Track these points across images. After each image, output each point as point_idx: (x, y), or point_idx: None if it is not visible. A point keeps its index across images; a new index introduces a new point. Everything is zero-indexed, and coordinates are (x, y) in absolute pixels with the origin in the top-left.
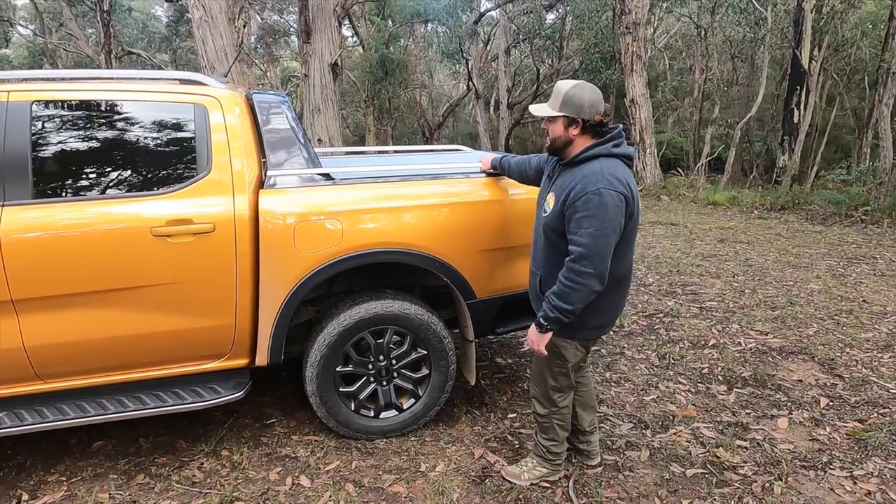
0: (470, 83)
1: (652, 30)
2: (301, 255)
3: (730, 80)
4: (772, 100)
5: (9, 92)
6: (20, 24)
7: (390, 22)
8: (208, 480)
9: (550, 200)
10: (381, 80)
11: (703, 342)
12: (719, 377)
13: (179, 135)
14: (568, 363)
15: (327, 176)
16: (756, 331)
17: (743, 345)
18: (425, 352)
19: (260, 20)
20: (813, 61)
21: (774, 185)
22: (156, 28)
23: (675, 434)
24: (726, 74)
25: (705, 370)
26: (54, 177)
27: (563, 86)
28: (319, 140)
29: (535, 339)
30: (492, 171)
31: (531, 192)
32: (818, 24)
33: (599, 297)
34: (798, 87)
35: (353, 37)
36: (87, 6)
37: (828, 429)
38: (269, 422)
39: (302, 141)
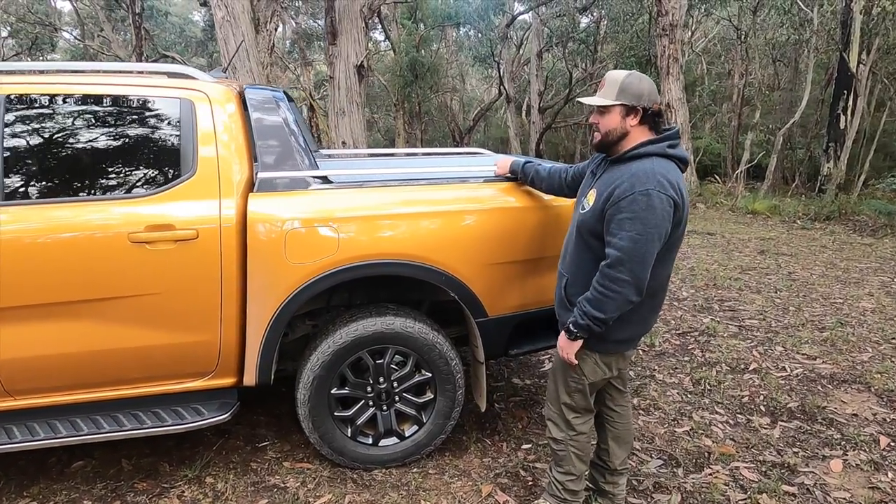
0: (501, 87)
1: (689, 33)
2: (293, 265)
3: (771, 84)
4: (816, 105)
5: None
6: (65, 30)
7: (422, 25)
8: None
9: (591, 197)
10: (411, 83)
11: (742, 366)
12: (761, 408)
13: (163, 132)
14: (585, 378)
15: (324, 179)
16: (803, 354)
17: (788, 370)
18: (430, 374)
19: (294, 24)
20: (861, 65)
21: (818, 194)
22: (192, 32)
23: (711, 475)
24: (768, 79)
25: (745, 399)
26: (26, 177)
27: (618, 74)
28: (343, 142)
29: (565, 346)
30: (509, 176)
31: (552, 200)
32: (867, 26)
33: (629, 309)
34: (845, 92)
35: (384, 41)
36: (124, 11)
37: (890, 474)
38: (261, 444)
39: (298, 140)
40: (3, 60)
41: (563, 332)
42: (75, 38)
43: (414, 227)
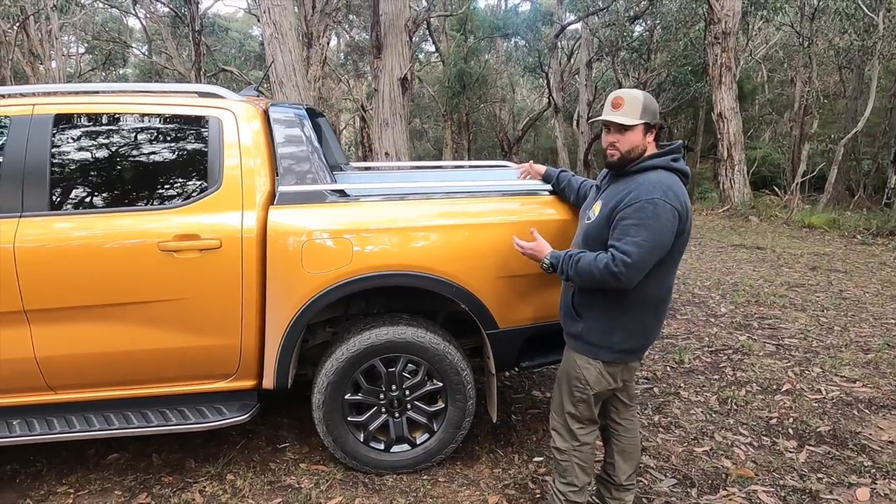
0: (550, 97)
1: (746, 40)
2: (309, 275)
3: (836, 92)
4: (884, 114)
5: (34, 105)
6: (135, 47)
7: (471, 37)
8: None
9: (596, 208)
10: (459, 94)
11: (775, 386)
12: (789, 430)
13: (192, 148)
14: (590, 388)
15: (341, 192)
16: (841, 377)
17: (823, 392)
18: (441, 384)
19: (348, 37)
20: None
21: (884, 208)
22: (251, 47)
23: (725, 497)
24: (832, 86)
25: (773, 420)
26: (69, 189)
27: (637, 94)
28: (386, 153)
29: (536, 249)
30: (546, 186)
31: (562, 214)
32: None
33: (631, 318)
34: None
35: (435, 52)
36: (187, 27)
37: None
38: (281, 445)
39: (318, 156)
40: (80, 75)
41: (545, 253)
42: (143, 53)
43: (424, 239)
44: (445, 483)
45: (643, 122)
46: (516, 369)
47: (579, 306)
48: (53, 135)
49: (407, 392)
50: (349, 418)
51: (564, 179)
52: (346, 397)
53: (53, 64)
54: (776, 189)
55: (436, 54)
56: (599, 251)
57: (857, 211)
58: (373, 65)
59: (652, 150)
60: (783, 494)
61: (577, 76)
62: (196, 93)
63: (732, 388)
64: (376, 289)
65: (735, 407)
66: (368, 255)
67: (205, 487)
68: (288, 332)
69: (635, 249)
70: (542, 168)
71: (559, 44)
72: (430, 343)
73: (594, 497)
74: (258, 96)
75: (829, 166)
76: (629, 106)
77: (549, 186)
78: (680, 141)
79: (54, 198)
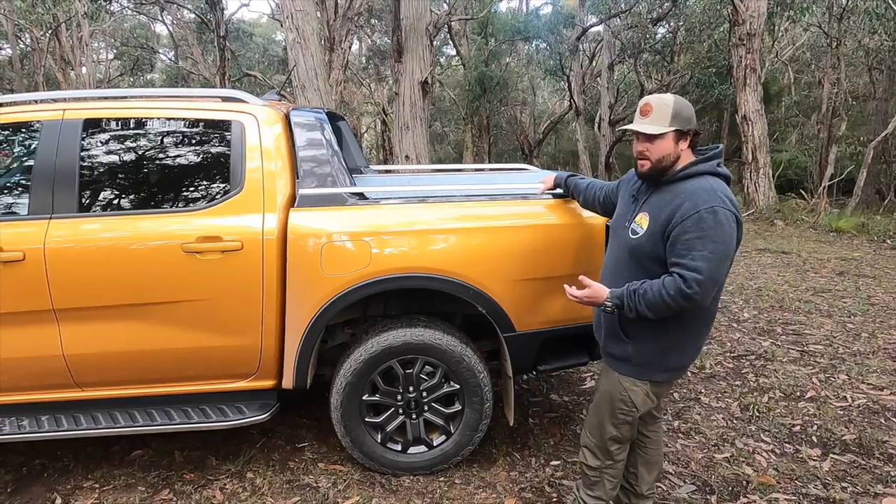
0: (571, 100)
1: (772, 41)
2: (327, 277)
3: (865, 93)
4: None
5: (64, 110)
6: (161, 52)
7: (492, 40)
8: (226, 503)
9: (643, 220)
10: (479, 97)
11: (798, 393)
12: (813, 438)
13: (216, 151)
14: (636, 410)
15: (361, 195)
16: (868, 384)
17: (849, 400)
18: (458, 386)
19: (370, 41)
20: None
21: None
22: (275, 52)
23: None
24: (862, 88)
25: (796, 428)
26: (97, 192)
27: (667, 99)
28: (407, 157)
29: (592, 296)
30: (556, 191)
31: (579, 217)
32: None
33: (689, 336)
34: None
35: (456, 56)
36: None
37: None
38: (300, 445)
39: (338, 159)
40: (109, 80)
41: (604, 297)
42: (170, 59)
43: (442, 242)
44: (462, 485)
45: (673, 129)
46: (534, 373)
47: (629, 327)
48: (83, 139)
49: (424, 394)
50: (367, 419)
51: (571, 184)
52: (364, 398)
53: (84, 70)
54: (803, 193)
55: (456, 58)
56: (663, 275)
57: (886, 215)
58: (394, 68)
59: (688, 156)
60: (806, 503)
61: (598, 79)
62: (219, 97)
63: (755, 394)
64: (394, 291)
65: (757, 413)
66: (387, 258)
67: (225, 485)
68: (307, 332)
69: (705, 264)
70: (549, 180)
71: (581, 46)
72: (447, 345)
73: (613, 502)
74: (280, 100)
75: (857, 169)
76: (657, 113)
77: (560, 191)
78: (721, 145)
79: (83, 200)
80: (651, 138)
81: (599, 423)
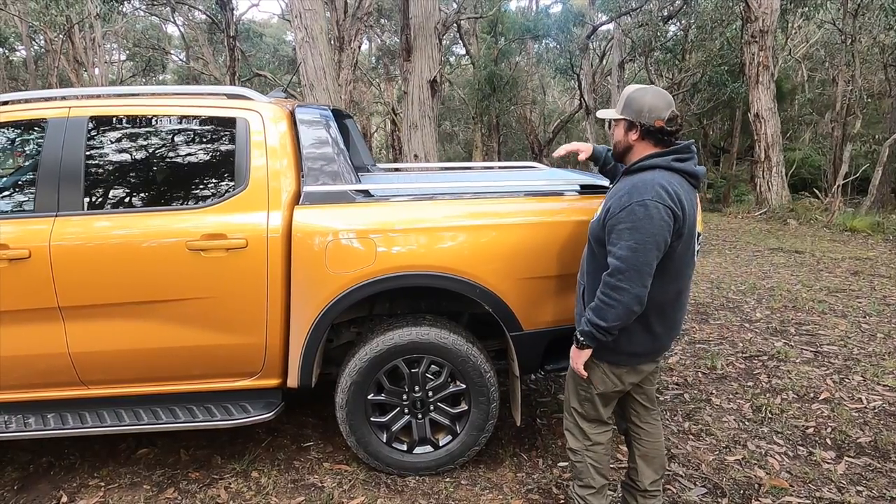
0: (581, 99)
1: (785, 38)
2: (332, 274)
3: (881, 91)
4: None
5: (69, 108)
6: (173, 53)
7: (502, 39)
8: (231, 503)
9: (600, 208)
10: (489, 96)
11: (812, 394)
12: (827, 440)
13: (221, 149)
14: (593, 388)
15: (366, 193)
16: (884, 385)
17: (864, 402)
18: (464, 385)
19: (380, 41)
20: None
21: None
22: (284, 52)
23: None
24: (877, 85)
25: (810, 430)
26: (102, 189)
27: (629, 89)
28: (416, 156)
29: (574, 355)
30: (593, 160)
31: (588, 214)
32: None
33: (636, 324)
34: None
35: (465, 55)
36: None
37: None
38: (305, 444)
39: (343, 156)
40: (122, 81)
41: (578, 337)
42: (181, 59)
43: (449, 240)
44: (468, 486)
45: (623, 118)
46: (541, 372)
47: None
48: (88, 136)
49: (430, 393)
50: (372, 418)
51: (611, 161)
52: (370, 397)
53: (97, 70)
54: (816, 192)
55: (466, 57)
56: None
57: None
58: (402, 67)
59: (648, 148)
60: None
61: (609, 77)
62: (224, 95)
63: (767, 395)
64: (400, 289)
65: (769, 415)
66: (392, 256)
67: (230, 484)
68: (312, 331)
69: (629, 253)
70: (588, 147)
71: (591, 45)
72: (452, 344)
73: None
74: (286, 98)
75: (872, 168)
76: (619, 101)
77: (577, 187)
78: (691, 141)
79: (88, 198)
80: (610, 124)
81: (568, 400)
